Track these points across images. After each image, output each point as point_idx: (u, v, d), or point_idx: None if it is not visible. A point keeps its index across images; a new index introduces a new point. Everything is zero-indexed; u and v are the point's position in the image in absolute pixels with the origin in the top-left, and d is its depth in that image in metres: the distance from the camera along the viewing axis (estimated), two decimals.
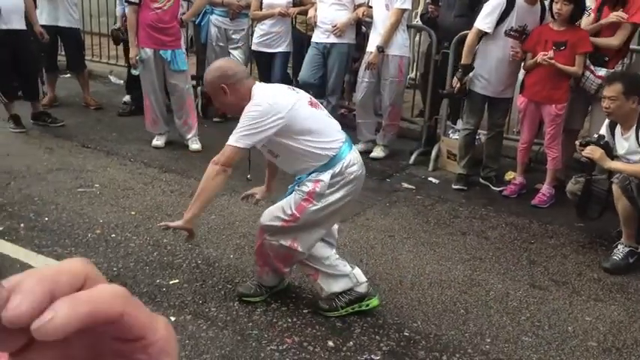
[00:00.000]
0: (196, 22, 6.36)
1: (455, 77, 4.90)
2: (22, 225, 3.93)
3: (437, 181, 5.19)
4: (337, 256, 3.19)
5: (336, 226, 3.30)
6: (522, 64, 4.79)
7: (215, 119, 6.33)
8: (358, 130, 5.76)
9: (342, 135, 3.02)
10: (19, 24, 5.51)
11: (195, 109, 5.84)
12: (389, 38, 5.25)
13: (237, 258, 3.70)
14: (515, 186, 4.93)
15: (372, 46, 5.37)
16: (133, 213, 4.22)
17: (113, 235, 3.88)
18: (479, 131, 5.22)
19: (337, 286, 3.14)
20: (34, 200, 4.31)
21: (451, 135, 5.46)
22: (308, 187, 2.92)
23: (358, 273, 3.21)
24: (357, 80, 5.62)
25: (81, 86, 6.79)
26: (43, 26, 5.99)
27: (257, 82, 3.03)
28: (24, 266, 3.43)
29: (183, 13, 5.51)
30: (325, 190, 2.91)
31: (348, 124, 6.20)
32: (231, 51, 6.32)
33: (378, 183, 5.10)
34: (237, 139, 2.85)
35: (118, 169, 5.04)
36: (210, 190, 2.90)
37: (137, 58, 5.31)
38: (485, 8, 4.68)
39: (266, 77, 6.11)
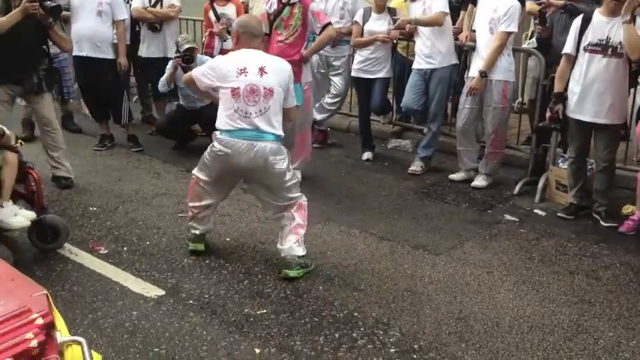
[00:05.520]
0: None
1: (548, 107, 4.64)
2: (125, 248, 4.12)
3: (543, 214, 4.86)
4: None
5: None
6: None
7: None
8: (459, 158, 5.54)
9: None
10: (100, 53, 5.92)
11: (312, 143, 5.70)
12: (492, 63, 5.02)
13: (327, 290, 3.63)
14: (633, 222, 4.49)
15: (474, 71, 5.16)
16: (227, 239, 4.29)
17: (207, 262, 3.96)
18: (589, 160, 4.85)
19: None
20: (138, 224, 4.52)
21: (561, 164, 5.10)
22: None
23: None
24: (459, 106, 5.42)
25: None
26: (151, 58, 6.37)
27: (253, 50, 3.72)
28: (123, 289, 3.59)
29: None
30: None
31: (449, 151, 6.04)
32: (331, 77, 6.34)
33: (478, 214, 4.86)
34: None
35: None
36: None
37: None
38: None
39: (365, 102, 6.07)
